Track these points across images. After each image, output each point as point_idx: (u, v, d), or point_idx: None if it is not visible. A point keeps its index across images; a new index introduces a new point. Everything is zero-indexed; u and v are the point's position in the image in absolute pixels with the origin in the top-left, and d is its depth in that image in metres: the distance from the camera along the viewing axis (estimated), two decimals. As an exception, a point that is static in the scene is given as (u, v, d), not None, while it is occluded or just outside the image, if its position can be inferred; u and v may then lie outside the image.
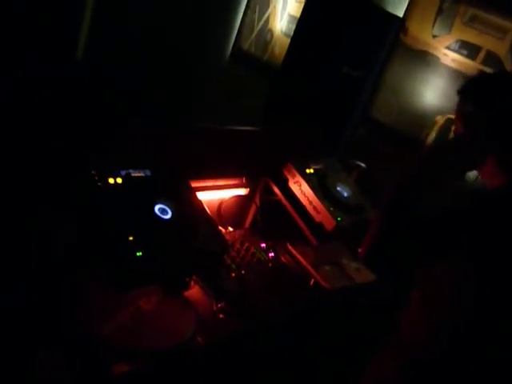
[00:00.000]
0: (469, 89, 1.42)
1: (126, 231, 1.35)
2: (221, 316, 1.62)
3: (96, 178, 1.42)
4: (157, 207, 1.47)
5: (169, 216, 1.48)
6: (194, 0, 3.58)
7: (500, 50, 2.39)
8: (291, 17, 3.18)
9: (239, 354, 1.62)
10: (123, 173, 1.49)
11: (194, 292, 1.68)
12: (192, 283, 1.69)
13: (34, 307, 1.33)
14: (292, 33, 2.93)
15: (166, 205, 1.50)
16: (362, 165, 2.54)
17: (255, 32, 3.34)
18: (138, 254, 1.33)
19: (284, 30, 3.23)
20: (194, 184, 1.78)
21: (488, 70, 2.39)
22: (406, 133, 2.67)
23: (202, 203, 1.64)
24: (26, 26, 3.31)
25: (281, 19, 3.24)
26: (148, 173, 1.55)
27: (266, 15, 3.29)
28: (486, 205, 1.36)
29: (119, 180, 1.46)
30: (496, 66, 2.38)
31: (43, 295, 1.36)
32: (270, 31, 3.28)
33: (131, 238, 1.34)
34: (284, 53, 2.98)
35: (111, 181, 1.44)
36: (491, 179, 1.40)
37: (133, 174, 1.51)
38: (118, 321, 1.43)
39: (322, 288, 1.95)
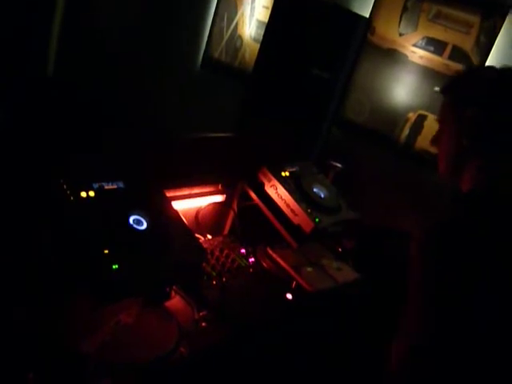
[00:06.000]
0: (467, 91, 1.29)
1: (100, 244, 1.33)
2: (203, 325, 1.60)
3: (68, 192, 1.40)
4: (131, 218, 1.45)
5: (144, 227, 1.46)
6: (162, 11, 3.58)
7: (466, 44, 2.42)
8: (259, 22, 3.19)
9: (223, 362, 1.60)
10: (96, 186, 1.47)
11: (175, 302, 1.66)
12: (173, 293, 1.67)
13: (12, 327, 1.31)
14: (261, 38, 2.94)
15: (140, 216, 1.48)
16: (338, 165, 2.55)
17: (225, 39, 3.35)
18: (113, 266, 1.31)
19: (253, 35, 3.24)
20: (170, 193, 1.77)
21: (455, 64, 2.42)
22: (379, 131, 2.69)
23: (177, 212, 1.62)
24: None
25: (249, 25, 3.24)
26: (121, 184, 1.53)
27: (235, 22, 3.30)
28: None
29: (92, 193, 1.44)
30: (463, 61, 2.41)
31: (20, 315, 1.34)
32: (240, 38, 3.29)
33: (106, 251, 1.32)
34: (254, 58, 2.99)
35: (83, 194, 1.42)
36: (466, 184, 1.30)
37: (106, 187, 1.49)
38: (99, 336, 1.41)
39: (304, 290, 1.95)
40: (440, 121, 1.37)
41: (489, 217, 1.18)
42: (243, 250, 2.02)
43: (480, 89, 1.27)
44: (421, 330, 1.16)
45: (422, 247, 1.18)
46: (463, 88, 1.30)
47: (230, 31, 3.33)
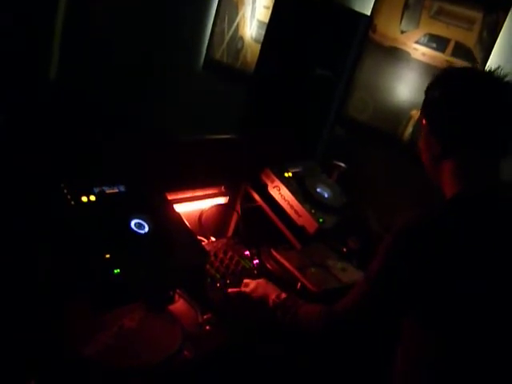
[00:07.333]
0: (437, 85, 1.32)
1: (101, 249, 1.32)
2: (207, 328, 1.60)
3: (69, 197, 1.39)
4: (133, 222, 1.45)
5: (146, 230, 1.45)
6: (164, 14, 3.58)
7: (468, 40, 2.40)
8: (260, 23, 3.18)
9: (227, 365, 1.59)
10: (96, 190, 1.46)
11: (179, 305, 1.65)
12: (176, 297, 1.66)
13: (16, 333, 1.30)
14: (262, 38, 2.93)
15: (142, 219, 1.47)
16: (342, 165, 2.53)
17: (226, 41, 3.34)
18: (115, 271, 1.30)
19: (254, 36, 3.23)
20: (172, 196, 1.76)
21: (458, 61, 2.40)
22: (383, 129, 2.66)
23: (179, 215, 1.62)
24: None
25: (250, 26, 3.23)
26: (122, 188, 1.53)
27: (236, 23, 3.29)
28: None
29: (92, 198, 1.43)
30: (466, 57, 2.39)
31: (24, 321, 1.33)
32: (241, 39, 3.28)
33: (108, 256, 1.32)
34: (256, 59, 2.97)
35: (84, 199, 1.41)
36: (449, 188, 1.29)
37: (107, 191, 1.49)
38: (102, 340, 1.40)
39: (309, 291, 1.93)
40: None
41: (457, 218, 1.21)
42: (247, 252, 2.01)
43: (442, 80, 1.32)
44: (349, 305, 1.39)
45: (389, 239, 1.25)
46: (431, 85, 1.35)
47: (231, 32, 3.32)
